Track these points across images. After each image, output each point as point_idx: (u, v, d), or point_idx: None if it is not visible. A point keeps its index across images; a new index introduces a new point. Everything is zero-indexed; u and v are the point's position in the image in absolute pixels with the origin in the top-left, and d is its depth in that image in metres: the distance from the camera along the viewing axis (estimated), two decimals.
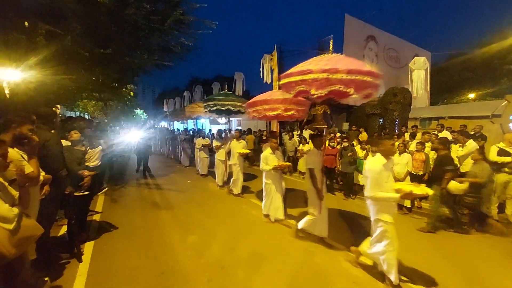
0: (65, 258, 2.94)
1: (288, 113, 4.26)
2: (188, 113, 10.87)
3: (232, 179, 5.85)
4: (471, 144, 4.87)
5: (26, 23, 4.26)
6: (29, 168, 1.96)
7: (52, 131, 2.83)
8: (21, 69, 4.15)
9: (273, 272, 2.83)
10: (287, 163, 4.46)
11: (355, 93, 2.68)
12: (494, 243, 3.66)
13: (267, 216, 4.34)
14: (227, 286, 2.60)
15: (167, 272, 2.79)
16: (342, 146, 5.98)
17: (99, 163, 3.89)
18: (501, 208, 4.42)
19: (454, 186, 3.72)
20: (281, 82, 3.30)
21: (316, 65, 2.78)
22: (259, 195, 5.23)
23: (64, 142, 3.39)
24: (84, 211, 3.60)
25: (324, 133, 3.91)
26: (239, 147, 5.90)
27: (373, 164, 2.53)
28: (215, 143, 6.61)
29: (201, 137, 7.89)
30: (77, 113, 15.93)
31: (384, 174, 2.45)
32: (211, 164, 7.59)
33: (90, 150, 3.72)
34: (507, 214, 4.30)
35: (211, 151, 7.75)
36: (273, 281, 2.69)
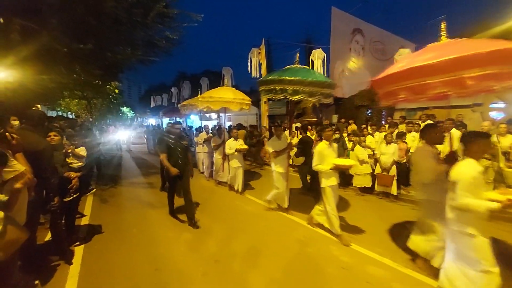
0: (55, 261, 2.88)
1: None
2: (204, 104, 6.33)
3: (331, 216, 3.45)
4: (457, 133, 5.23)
5: (1, 20, 4.01)
6: (21, 167, 1.91)
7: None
8: None
9: (267, 264, 2.89)
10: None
11: None
12: None
13: None
14: (221, 279, 2.63)
15: (161, 269, 2.79)
16: (334, 138, 6.08)
17: (83, 164, 3.76)
18: None
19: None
20: None
21: None
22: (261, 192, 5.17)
23: None
24: (73, 213, 3.51)
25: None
26: (332, 155, 3.54)
27: None
28: (271, 148, 4.29)
29: (232, 138, 5.64)
30: (60, 113, 15.31)
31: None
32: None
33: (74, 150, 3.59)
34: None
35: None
36: (268, 272, 2.74)
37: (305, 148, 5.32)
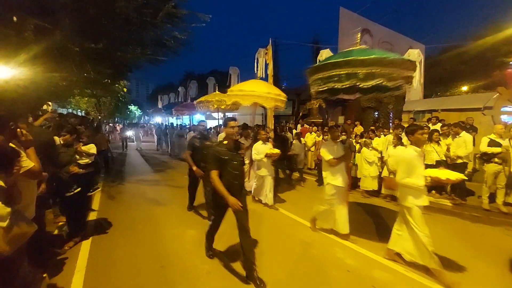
0: (63, 255, 2.95)
1: None
2: (232, 99, 5.57)
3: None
4: (465, 136, 5.07)
5: (15, 18, 4.13)
6: (30, 163, 1.96)
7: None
8: (10, 66, 4.04)
9: (271, 265, 2.88)
10: None
11: None
12: None
13: None
14: (226, 277, 2.64)
15: (166, 266, 2.82)
16: (340, 139, 6.01)
17: (91, 161, 3.81)
18: (492, 197, 4.55)
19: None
20: None
21: None
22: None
23: (57, 140, 3.37)
24: (81, 209, 3.57)
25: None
26: (422, 165, 2.72)
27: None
28: (328, 154, 3.36)
29: (260, 141, 4.73)
30: (70, 110, 15.67)
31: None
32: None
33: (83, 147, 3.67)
34: (498, 203, 4.43)
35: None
36: (272, 272, 2.73)
37: (281, 145, 5.78)
